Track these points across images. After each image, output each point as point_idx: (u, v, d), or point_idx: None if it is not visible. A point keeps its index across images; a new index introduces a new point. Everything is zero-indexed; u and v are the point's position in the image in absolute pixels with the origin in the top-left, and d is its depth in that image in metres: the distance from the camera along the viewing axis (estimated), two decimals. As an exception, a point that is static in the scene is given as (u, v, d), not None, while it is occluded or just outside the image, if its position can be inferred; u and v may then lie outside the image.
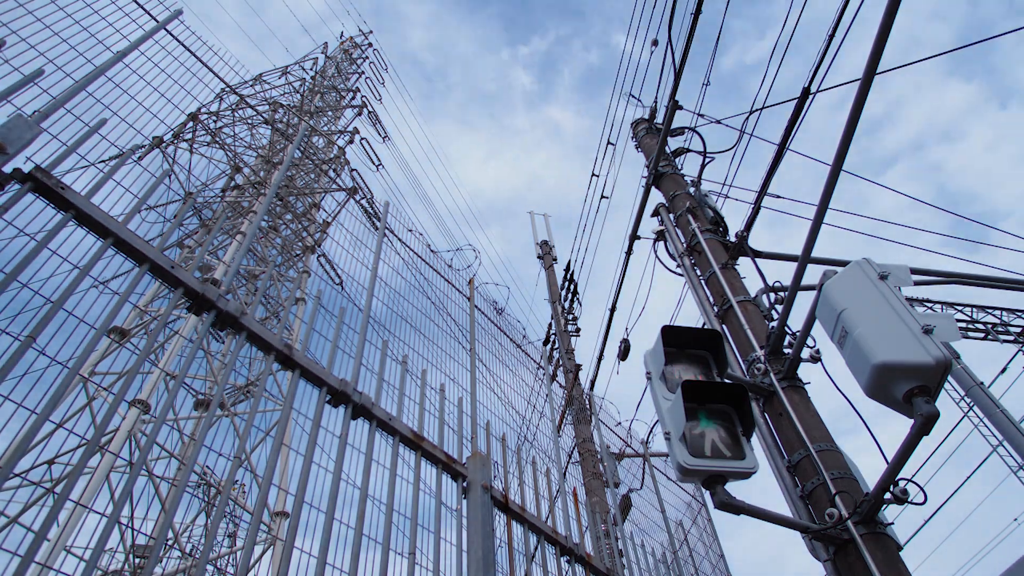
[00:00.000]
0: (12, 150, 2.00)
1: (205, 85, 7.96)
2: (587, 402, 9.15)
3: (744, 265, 5.05)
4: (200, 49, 8.03)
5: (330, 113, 19.56)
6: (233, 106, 14.96)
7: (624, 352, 6.38)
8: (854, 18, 4.13)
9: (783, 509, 3.57)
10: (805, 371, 4.05)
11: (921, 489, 2.95)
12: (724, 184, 5.92)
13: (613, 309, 7.76)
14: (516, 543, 3.34)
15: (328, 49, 24.00)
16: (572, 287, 10.79)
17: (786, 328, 4.05)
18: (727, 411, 3.52)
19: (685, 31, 5.61)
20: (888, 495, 3.01)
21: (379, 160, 18.96)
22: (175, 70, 7.06)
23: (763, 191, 4.93)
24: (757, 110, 5.54)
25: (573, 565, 3.69)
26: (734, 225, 5.33)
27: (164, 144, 11.70)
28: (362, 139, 18.56)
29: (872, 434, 3.25)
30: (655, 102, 7.38)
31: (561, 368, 10.05)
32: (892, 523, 3.30)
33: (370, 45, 26.24)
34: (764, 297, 4.79)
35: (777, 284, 4.75)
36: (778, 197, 5.62)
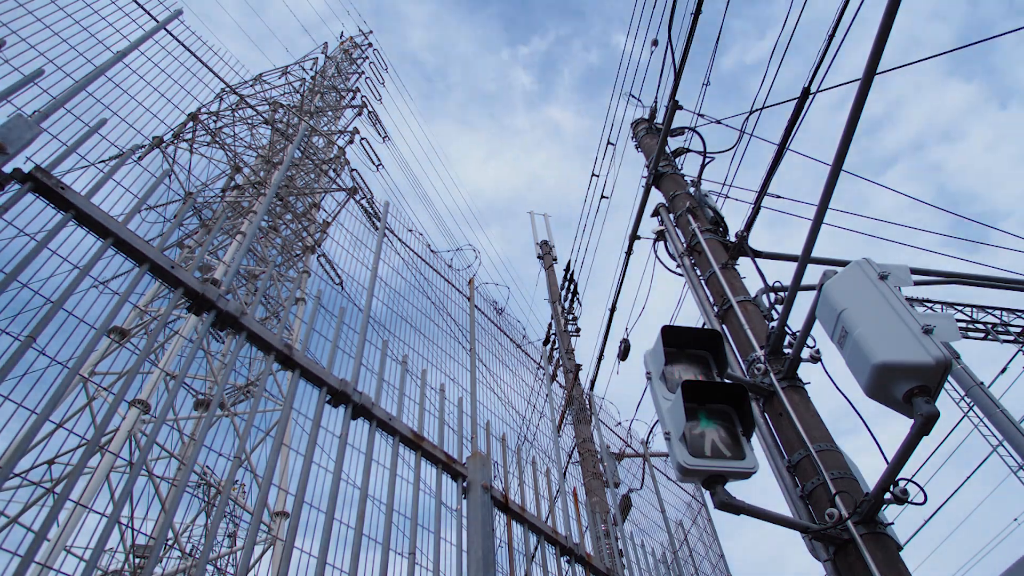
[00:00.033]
0: (12, 150, 2.00)
1: (205, 85, 7.97)
2: (587, 402, 9.15)
3: (744, 265, 5.06)
4: (200, 49, 8.03)
5: (330, 113, 19.56)
6: (233, 106, 14.96)
7: (624, 352, 6.38)
8: (854, 18, 4.13)
9: (783, 509, 3.58)
10: (805, 371, 4.05)
11: (921, 489, 2.95)
12: (724, 184, 5.92)
13: (613, 309, 7.77)
14: (516, 543, 3.34)
15: (328, 49, 24.01)
16: (572, 287, 10.79)
17: (786, 328, 4.05)
18: (727, 411, 3.52)
19: (685, 31, 5.61)
20: (888, 495, 3.01)
21: (379, 160, 18.97)
22: (175, 70, 7.06)
23: (763, 191, 4.93)
24: (757, 110, 5.54)
25: (573, 565, 3.69)
26: (734, 225, 5.33)
27: (164, 144, 11.70)
28: (362, 139, 18.57)
29: (872, 434, 3.25)
30: (655, 102, 7.38)
31: (561, 368, 10.05)
32: (892, 523, 3.30)
33: (370, 45, 26.25)
34: (764, 297, 4.79)
35: (777, 284, 4.75)
36: (778, 197, 5.62)
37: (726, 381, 3.73)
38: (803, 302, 3.94)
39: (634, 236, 6.73)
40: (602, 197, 9.42)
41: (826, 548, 3.30)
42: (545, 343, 10.90)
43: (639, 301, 7.29)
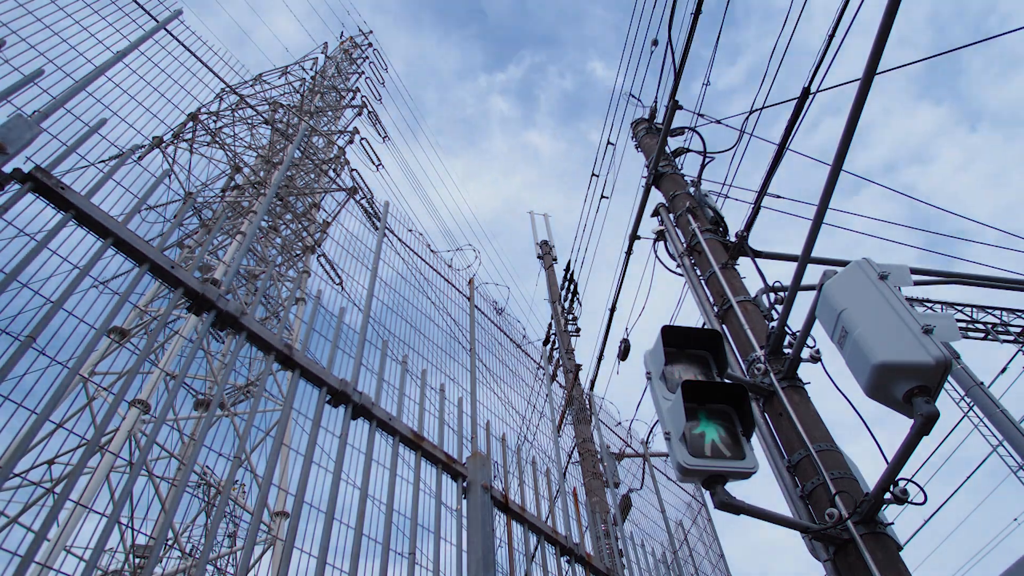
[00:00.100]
0: (12, 150, 2.00)
1: (205, 85, 7.96)
2: (587, 402, 9.15)
3: (744, 265, 5.06)
4: (200, 49, 8.03)
5: (330, 113, 19.56)
6: (233, 106, 14.96)
7: (624, 352, 6.38)
8: (854, 18, 4.13)
9: (783, 509, 3.58)
10: (805, 371, 4.05)
11: (921, 489, 2.95)
12: (724, 184, 5.92)
13: (613, 309, 7.76)
14: (516, 543, 3.34)
15: (328, 49, 24.01)
16: (572, 287, 10.79)
17: (786, 328, 4.05)
18: (727, 411, 3.52)
19: (685, 31, 5.61)
20: (888, 495, 3.01)
21: (379, 160, 18.98)
22: (175, 70, 7.06)
23: (763, 191, 4.93)
24: (757, 110, 5.54)
25: (573, 565, 3.69)
26: (734, 225, 5.33)
27: (164, 144, 11.70)
28: (362, 139, 18.57)
29: (872, 434, 3.25)
30: (655, 102, 7.39)
31: (561, 368, 10.05)
32: (892, 523, 3.30)
33: (370, 45, 26.25)
34: (764, 297, 4.79)
35: (777, 284, 4.75)
36: (778, 197, 5.62)
37: (726, 381, 3.73)
38: (803, 302, 3.95)
39: (634, 236, 6.73)
40: (602, 197, 9.43)
41: (826, 548, 3.30)
42: (545, 343, 10.90)
43: (639, 301, 7.29)
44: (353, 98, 21.40)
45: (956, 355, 8.59)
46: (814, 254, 3.75)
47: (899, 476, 2.95)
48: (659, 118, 7.36)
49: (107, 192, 2.31)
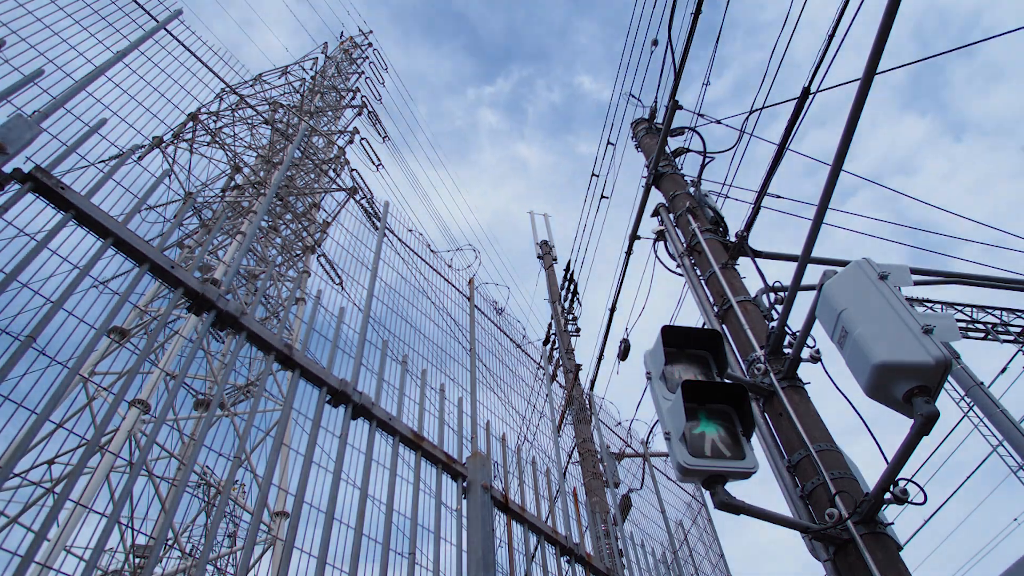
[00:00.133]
0: (12, 150, 2.00)
1: (205, 85, 7.96)
2: (587, 402, 9.15)
3: (744, 265, 5.06)
4: (200, 49, 8.03)
5: (330, 113, 19.56)
6: (233, 106, 14.96)
7: (624, 352, 6.38)
8: (854, 18, 4.13)
9: (783, 509, 3.58)
10: (805, 371, 4.05)
11: (921, 489, 2.95)
12: (724, 184, 5.92)
13: (613, 309, 7.76)
14: (516, 543, 3.34)
15: (328, 49, 24.01)
16: (572, 287, 10.79)
17: (786, 328, 4.05)
18: (727, 411, 3.52)
19: (685, 31, 5.61)
20: (888, 495, 3.01)
21: (379, 160, 18.98)
22: (175, 70, 7.06)
23: (763, 191, 4.93)
24: (757, 110, 5.54)
25: (573, 565, 3.69)
26: (734, 225, 5.33)
27: (164, 144, 11.70)
28: (362, 139, 18.57)
29: (872, 434, 3.25)
30: (655, 102, 7.38)
31: (561, 368, 10.05)
32: (892, 523, 3.30)
33: (370, 45, 26.25)
34: (764, 297, 4.79)
35: (777, 284, 4.75)
36: (778, 197, 5.62)
37: (726, 381, 3.73)
38: (803, 302, 3.95)
39: (634, 236, 6.73)
40: (602, 197, 9.42)
41: (826, 548, 3.30)
42: (545, 343, 10.90)
43: (639, 301, 7.29)
44: (353, 98, 21.41)
45: (956, 355, 8.60)
46: (814, 254, 3.75)
47: (899, 476, 2.95)
48: (659, 118, 7.36)
49: (107, 192, 2.31)
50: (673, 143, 6.64)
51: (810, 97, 4.55)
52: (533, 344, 10.37)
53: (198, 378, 11.54)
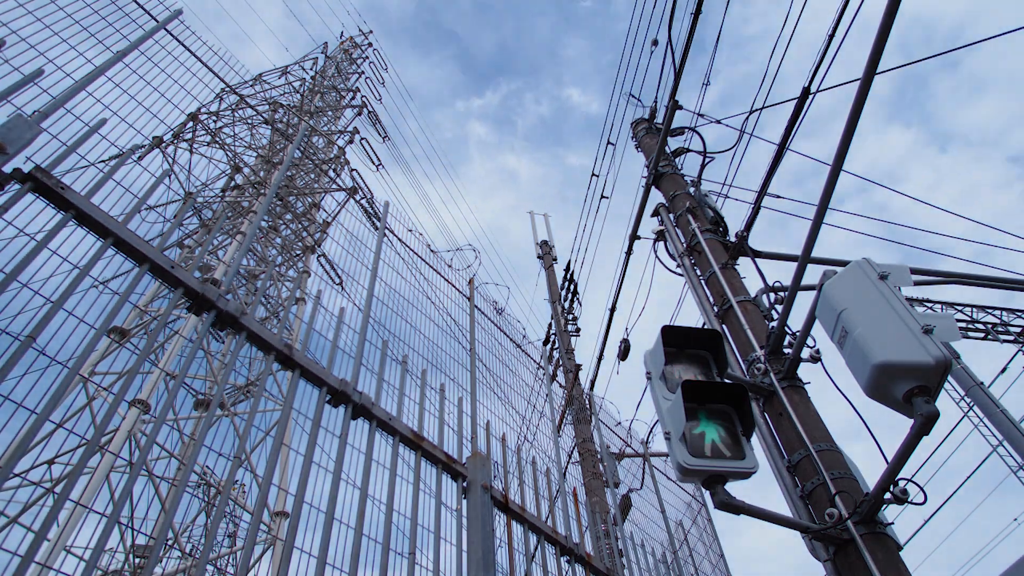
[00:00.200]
0: (12, 150, 2.00)
1: (205, 85, 7.96)
2: (587, 402, 9.15)
3: (744, 265, 5.06)
4: (200, 49, 8.03)
5: (330, 113, 19.56)
6: (233, 106, 14.96)
7: (624, 352, 6.38)
8: (854, 18, 4.13)
9: (783, 509, 3.58)
10: (805, 371, 4.05)
11: (921, 489, 2.95)
12: (724, 184, 5.92)
13: (613, 309, 7.76)
14: (516, 543, 3.34)
15: (328, 49, 24.01)
16: (572, 287, 10.79)
17: (786, 328, 4.05)
18: (727, 411, 3.52)
19: (685, 31, 5.61)
20: (888, 495, 3.01)
21: (379, 160, 18.98)
22: (175, 70, 7.06)
23: (763, 191, 4.93)
24: (757, 110, 5.54)
25: (573, 565, 3.69)
26: (734, 225, 5.33)
27: (164, 144, 11.70)
28: (362, 139, 18.57)
29: (872, 434, 3.25)
30: (655, 102, 7.38)
31: (561, 368, 10.05)
32: (892, 523, 3.30)
33: (370, 45, 26.25)
34: (764, 297, 4.79)
35: (777, 284, 4.75)
36: (778, 197, 5.62)
37: (726, 381, 3.73)
38: (803, 302, 3.95)
39: (634, 236, 6.73)
40: (602, 197, 9.42)
41: (826, 548, 3.30)
42: (545, 343, 10.90)
43: (639, 301, 7.29)
44: (353, 98, 21.41)
45: (956, 355, 8.60)
46: (814, 254, 3.75)
47: (899, 476, 2.95)
48: (659, 118, 7.36)
49: (107, 192, 2.31)
50: (673, 143, 6.64)
51: (810, 97, 4.55)
52: (533, 344, 10.37)
53: (198, 378, 11.55)
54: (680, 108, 6.26)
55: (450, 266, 7.10)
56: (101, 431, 2.11)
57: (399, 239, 5.61)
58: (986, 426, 8.44)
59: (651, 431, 7.29)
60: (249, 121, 15.43)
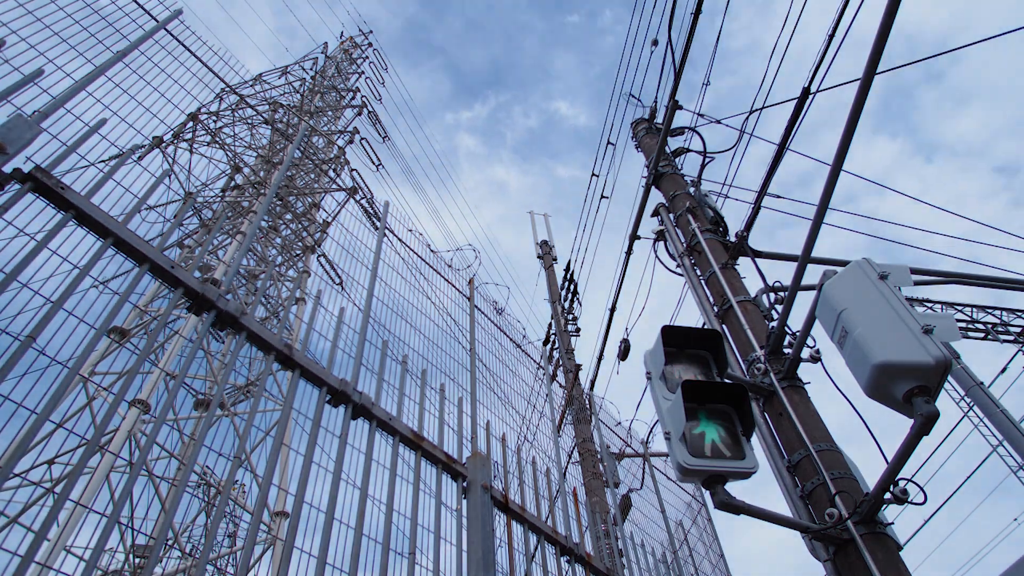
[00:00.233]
0: (12, 150, 2.00)
1: (205, 85, 7.97)
2: (587, 402, 9.15)
3: (744, 265, 5.06)
4: (200, 49, 8.03)
5: (330, 113, 19.56)
6: (233, 106, 14.96)
7: (624, 352, 6.38)
8: (854, 18, 4.13)
9: (783, 509, 3.58)
10: (805, 371, 4.05)
11: (921, 489, 2.95)
12: (724, 184, 5.92)
13: (613, 309, 7.76)
14: (516, 543, 3.34)
15: (328, 49, 24.01)
16: (572, 287, 10.79)
17: (786, 328, 4.05)
18: (727, 411, 3.52)
19: (685, 31, 5.61)
20: (888, 495, 3.01)
21: (379, 160, 18.98)
22: (175, 70, 7.06)
23: (763, 191, 4.93)
24: (757, 110, 5.54)
25: (573, 565, 3.69)
26: (734, 225, 5.33)
27: (164, 144, 11.70)
28: (362, 139, 18.57)
29: (872, 433, 3.25)
30: (655, 102, 7.39)
31: (561, 368, 10.05)
32: (892, 523, 3.30)
33: (370, 45, 26.25)
34: (764, 297, 4.79)
35: (777, 284, 4.75)
36: (778, 197, 5.62)
37: (726, 381, 3.73)
38: (803, 302, 3.95)
39: (634, 236, 6.73)
40: (602, 197, 9.43)
41: (826, 548, 3.30)
42: (545, 343, 10.90)
43: (639, 301, 7.29)
44: (353, 98, 21.41)
45: (956, 355, 8.59)
46: (814, 254, 3.75)
47: (899, 476, 2.95)
48: (659, 118, 7.36)
49: (107, 192, 2.31)
50: (673, 143, 6.64)
51: (810, 97, 4.55)
52: (533, 344, 10.37)
53: (198, 378, 11.54)
54: (680, 108, 6.26)
55: (450, 266, 7.10)
56: (101, 431, 2.11)
57: (399, 239, 5.61)
58: (986, 426, 8.44)
59: (651, 431, 7.29)
60: (249, 121, 15.44)
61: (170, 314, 3.65)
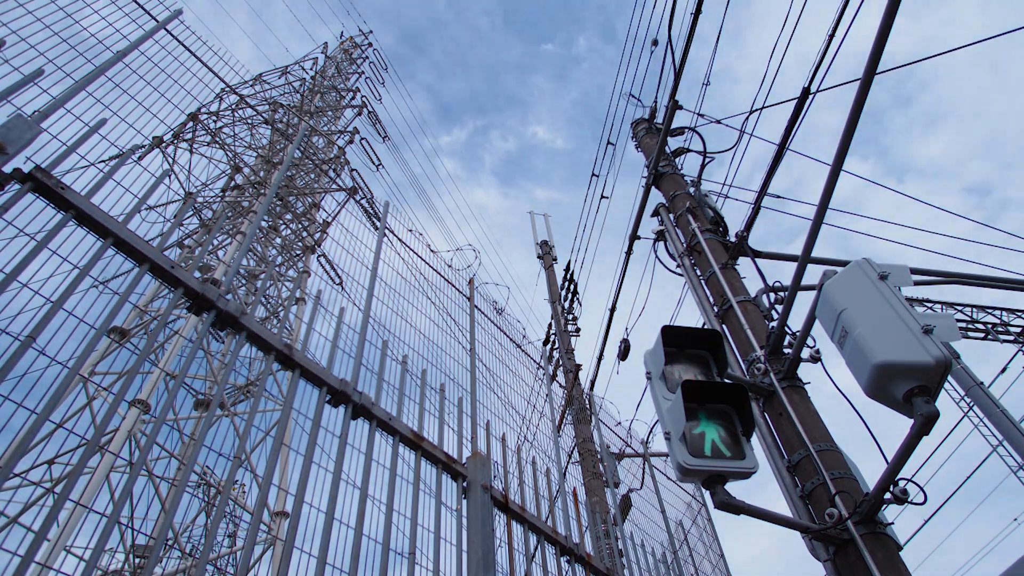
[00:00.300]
0: (12, 150, 2.00)
1: (205, 85, 7.97)
2: (587, 402, 9.15)
3: (744, 265, 5.06)
4: (200, 49, 8.03)
5: (330, 113, 19.56)
6: (233, 106, 14.95)
7: (624, 352, 6.38)
8: (854, 18, 4.13)
9: (783, 509, 3.58)
10: (805, 371, 4.05)
11: (921, 489, 2.95)
12: (724, 184, 5.92)
13: (613, 309, 7.76)
14: (516, 543, 3.34)
15: (328, 49, 24.00)
16: (572, 287, 10.79)
17: (786, 328, 4.05)
18: (727, 411, 3.52)
19: (685, 31, 5.61)
20: (888, 495, 3.01)
21: (379, 160, 18.98)
22: (175, 70, 7.06)
23: (763, 191, 4.93)
24: (757, 110, 5.54)
25: (573, 565, 3.69)
26: (734, 225, 5.33)
27: (164, 144, 11.70)
28: (362, 139, 18.57)
29: (872, 433, 3.25)
30: (655, 102, 7.38)
31: (561, 368, 10.05)
32: (892, 523, 3.30)
33: (370, 45, 26.25)
34: (764, 297, 4.79)
35: (777, 284, 4.75)
36: (778, 197, 5.62)
37: (726, 381, 3.73)
38: (803, 302, 3.95)
39: (634, 236, 6.73)
40: (602, 197, 9.43)
41: (826, 548, 3.30)
42: (545, 343, 10.90)
43: (639, 301, 7.29)
44: (353, 98, 21.41)
45: (956, 355, 8.60)
46: (814, 254, 3.75)
47: (899, 476, 2.95)
48: (659, 118, 7.36)
49: (107, 192, 2.31)
50: (673, 143, 6.64)
51: (810, 97, 4.55)
52: (533, 344, 10.37)
53: (198, 378, 11.54)
54: (680, 108, 6.26)
55: (450, 266, 7.10)
56: (101, 431, 2.11)
57: (399, 239, 5.61)
58: (986, 426, 8.44)
59: (651, 431, 7.30)
60: (249, 121, 15.44)
61: (170, 314, 3.65)
